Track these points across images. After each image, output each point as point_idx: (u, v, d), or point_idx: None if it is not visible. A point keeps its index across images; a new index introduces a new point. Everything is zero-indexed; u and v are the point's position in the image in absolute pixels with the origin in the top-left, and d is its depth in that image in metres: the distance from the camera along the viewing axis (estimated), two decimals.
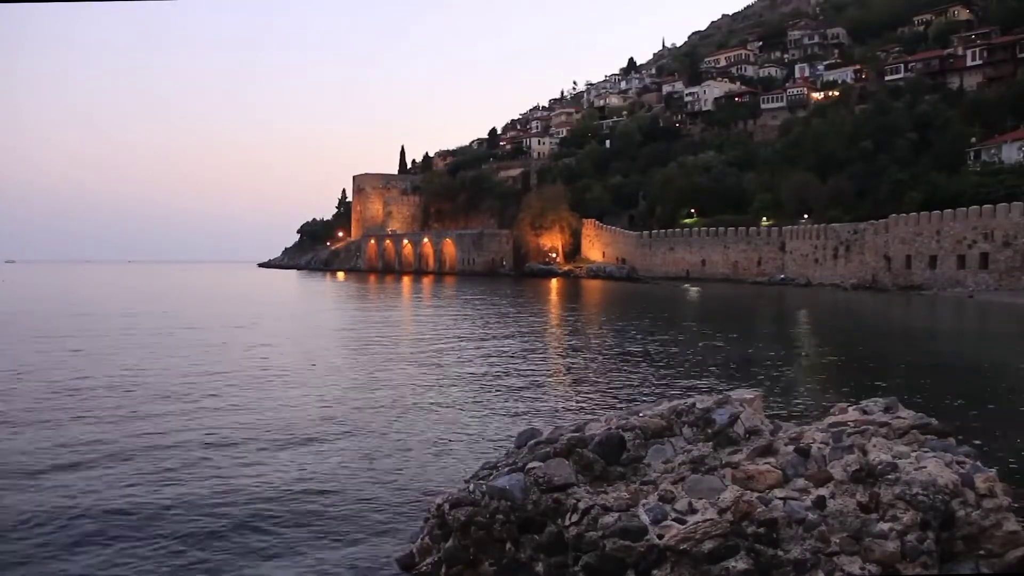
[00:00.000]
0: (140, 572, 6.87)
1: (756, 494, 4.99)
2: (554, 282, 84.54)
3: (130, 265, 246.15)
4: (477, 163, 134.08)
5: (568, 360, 21.71)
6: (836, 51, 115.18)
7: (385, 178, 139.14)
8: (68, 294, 61.47)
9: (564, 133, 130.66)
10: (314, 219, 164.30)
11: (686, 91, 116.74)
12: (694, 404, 5.92)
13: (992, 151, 66.56)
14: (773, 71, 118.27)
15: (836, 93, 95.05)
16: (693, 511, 4.99)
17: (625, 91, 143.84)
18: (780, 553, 4.74)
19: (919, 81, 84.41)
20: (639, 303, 49.88)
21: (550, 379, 18.21)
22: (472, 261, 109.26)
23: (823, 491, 4.96)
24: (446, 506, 5.66)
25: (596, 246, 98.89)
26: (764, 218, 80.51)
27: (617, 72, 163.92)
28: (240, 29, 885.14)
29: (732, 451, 5.52)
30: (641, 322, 33.93)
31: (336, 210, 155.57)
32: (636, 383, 17.13)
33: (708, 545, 4.81)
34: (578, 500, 5.29)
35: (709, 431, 5.68)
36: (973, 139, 69.70)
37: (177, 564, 7.00)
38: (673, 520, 4.97)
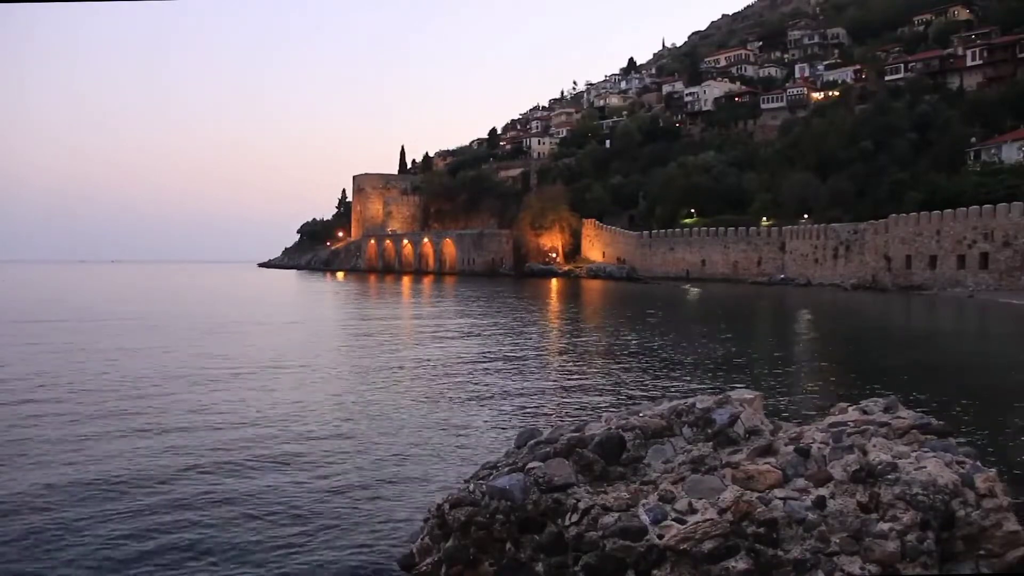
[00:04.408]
0: (137, 570, 6.87)
1: (756, 494, 4.98)
2: (554, 282, 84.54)
3: (126, 265, 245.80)
4: (477, 163, 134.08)
5: (568, 360, 21.71)
6: (836, 51, 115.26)
7: (385, 178, 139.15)
8: (63, 296, 61.44)
9: (564, 133, 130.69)
10: (314, 219, 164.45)
11: (686, 91, 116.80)
12: (694, 404, 5.92)
13: (992, 151, 66.58)
14: (773, 71, 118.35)
15: (836, 93, 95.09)
16: (693, 511, 4.99)
17: (625, 91, 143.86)
18: (780, 553, 4.74)
19: (919, 81, 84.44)
20: (639, 303, 49.88)
21: (550, 379, 18.21)
22: (472, 261, 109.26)
23: (823, 491, 4.96)
24: (446, 506, 5.66)
25: (596, 246, 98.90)
26: (764, 218, 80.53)
27: (617, 72, 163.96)
28: (240, 30, 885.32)
29: (732, 451, 5.51)
30: (641, 322, 33.93)
31: (336, 210, 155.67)
32: (636, 383, 17.13)
33: (708, 545, 4.81)
34: (578, 500, 5.29)
35: (709, 431, 5.68)
36: (973, 139, 69.71)
37: (175, 564, 7.00)
38: (673, 520, 4.97)
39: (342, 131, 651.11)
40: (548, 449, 5.71)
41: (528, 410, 14.16)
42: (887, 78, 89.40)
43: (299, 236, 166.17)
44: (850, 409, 6.10)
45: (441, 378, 18.05)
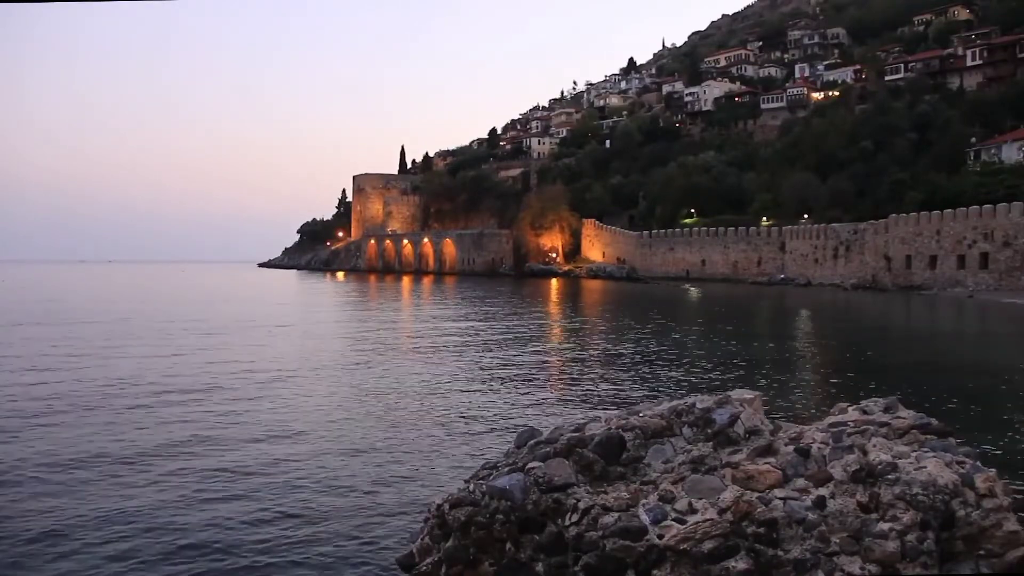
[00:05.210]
0: (138, 571, 6.87)
1: (756, 494, 4.98)
2: (554, 282, 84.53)
3: (126, 265, 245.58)
4: (477, 163, 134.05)
5: (568, 360, 21.71)
6: (836, 51, 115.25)
7: (385, 178, 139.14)
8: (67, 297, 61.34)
9: (564, 133, 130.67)
10: (314, 219, 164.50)
11: (686, 91, 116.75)
12: (694, 404, 5.91)
13: (992, 151, 66.57)
14: (773, 71, 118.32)
15: (836, 93, 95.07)
16: (693, 511, 4.99)
17: (625, 91, 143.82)
18: (780, 553, 4.73)
19: (919, 81, 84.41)
20: (639, 303, 49.87)
21: (550, 379, 18.21)
22: (472, 261, 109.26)
23: (823, 491, 4.95)
24: (446, 506, 5.65)
25: (596, 246, 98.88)
26: (764, 218, 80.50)
27: (617, 72, 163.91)
28: (241, 30, 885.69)
29: (732, 451, 5.51)
30: (641, 322, 33.92)
31: (336, 210, 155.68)
32: (636, 383, 17.13)
33: (708, 545, 4.80)
34: (578, 500, 5.29)
35: (709, 431, 5.67)
36: (973, 139, 69.70)
37: (175, 564, 7.00)
38: (673, 520, 4.96)
39: (342, 131, 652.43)
40: (548, 449, 5.70)
41: (528, 410, 14.15)
42: (887, 78, 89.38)
43: (299, 236, 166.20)
44: (850, 409, 6.09)
45: (440, 378, 18.05)
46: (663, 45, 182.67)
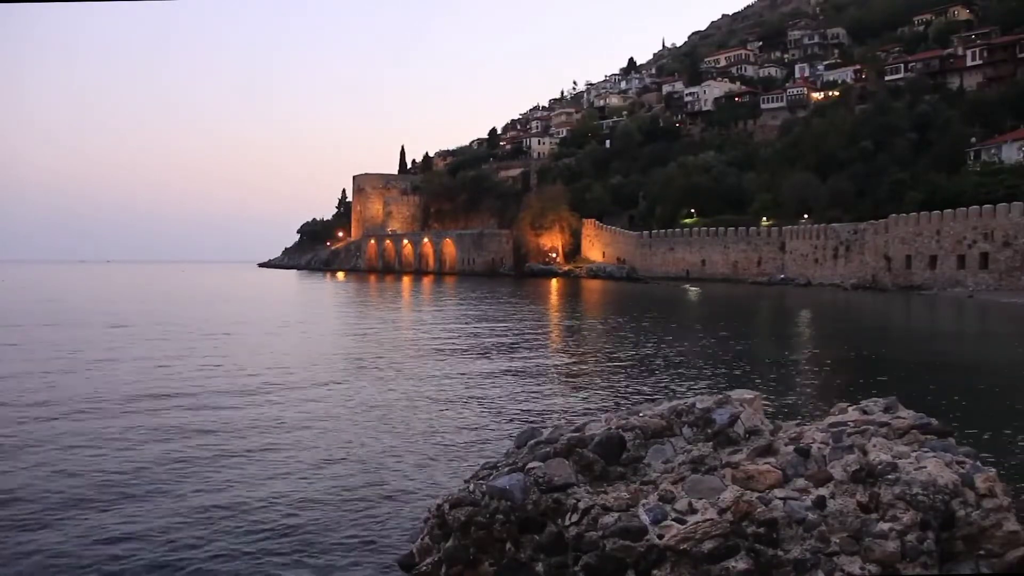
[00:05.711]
0: (139, 570, 6.87)
1: (756, 494, 4.98)
2: (554, 282, 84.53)
3: (125, 265, 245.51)
4: (477, 163, 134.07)
5: (568, 360, 21.70)
6: (836, 51, 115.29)
7: (385, 178, 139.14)
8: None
9: (564, 133, 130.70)
10: (314, 219, 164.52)
11: (686, 91, 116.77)
12: (694, 404, 5.91)
13: (992, 151, 66.59)
14: (773, 71, 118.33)
15: (836, 93, 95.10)
16: (693, 511, 4.99)
17: (625, 91, 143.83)
18: (780, 553, 4.73)
19: (919, 81, 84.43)
20: (639, 303, 49.88)
21: (550, 379, 18.21)
22: (472, 261, 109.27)
23: (823, 491, 4.95)
24: (446, 506, 5.65)
25: (596, 246, 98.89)
26: (764, 218, 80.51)
27: (617, 72, 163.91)
28: (240, 30, 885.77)
29: (732, 451, 5.51)
30: (641, 322, 33.92)
31: (336, 210, 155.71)
32: (636, 383, 17.13)
33: (708, 545, 4.80)
34: (578, 500, 5.29)
35: (709, 431, 5.67)
36: (973, 139, 69.72)
37: (175, 565, 7.00)
38: (673, 520, 4.96)
39: (342, 131, 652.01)
40: (548, 449, 5.70)
41: (528, 410, 14.15)
42: (887, 78, 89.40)
43: (299, 236, 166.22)
44: (850, 409, 6.09)
45: (441, 379, 18.05)
46: (663, 45, 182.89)
